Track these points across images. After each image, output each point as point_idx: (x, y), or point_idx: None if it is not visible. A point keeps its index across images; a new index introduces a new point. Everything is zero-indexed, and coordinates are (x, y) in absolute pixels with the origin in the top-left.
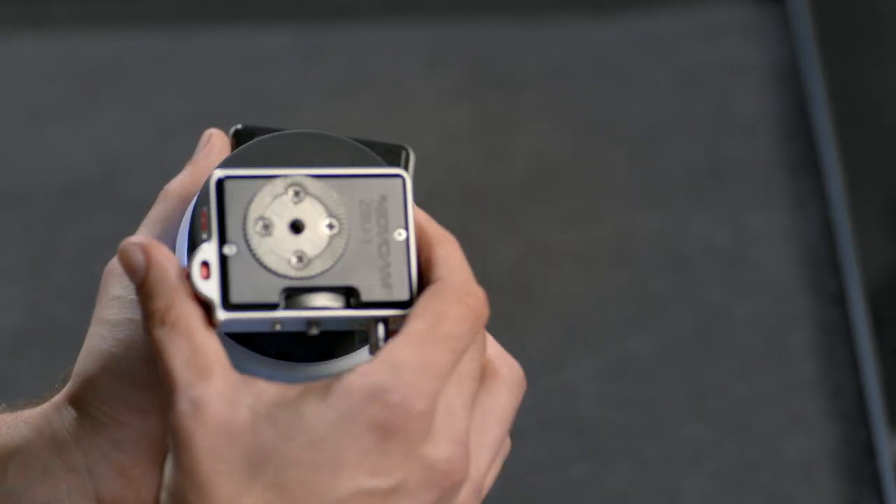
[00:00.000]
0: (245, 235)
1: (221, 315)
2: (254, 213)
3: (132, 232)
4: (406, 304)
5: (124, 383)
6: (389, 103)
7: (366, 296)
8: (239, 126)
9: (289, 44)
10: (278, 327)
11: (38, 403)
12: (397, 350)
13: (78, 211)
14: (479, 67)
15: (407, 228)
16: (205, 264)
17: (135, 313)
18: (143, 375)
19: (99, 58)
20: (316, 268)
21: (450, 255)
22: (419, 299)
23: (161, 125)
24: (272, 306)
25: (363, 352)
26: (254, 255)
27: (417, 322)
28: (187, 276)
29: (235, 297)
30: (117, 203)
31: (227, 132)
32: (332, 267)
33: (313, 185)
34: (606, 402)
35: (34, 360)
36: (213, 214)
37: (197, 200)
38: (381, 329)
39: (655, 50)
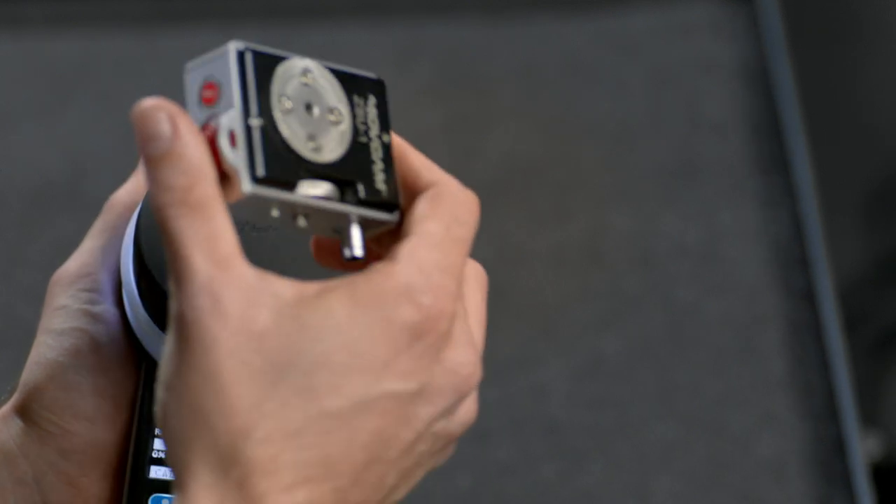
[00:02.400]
0: (270, 110)
1: (247, 186)
2: (276, 89)
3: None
4: (393, 208)
5: (71, 392)
6: None
7: (363, 193)
8: None
9: (258, 44)
10: (275, 213)
11: None
12: (420, 251)
13: (46, 212)
14: (450, 67)
15: (389, 133)
16: (230, 133)
17: (80, 322)
18: (90, 384)
19: (67, 58)
20: (326, 155)
21: (430, 162)
22: (422, 201)
23: (130, 126)
24: (291, 186)
25: None
26: (278, 132)
27: (433, 224)
28: (212, 143)
29: (260, 171)
30: (86, 204)
31: None
32: (340, 158)
33: (320, 74)
34: (577, 401)
35: (3, 362)
36: (236, 84)
37: (143, 205)
38: (356, 231)
39: (626, 49)
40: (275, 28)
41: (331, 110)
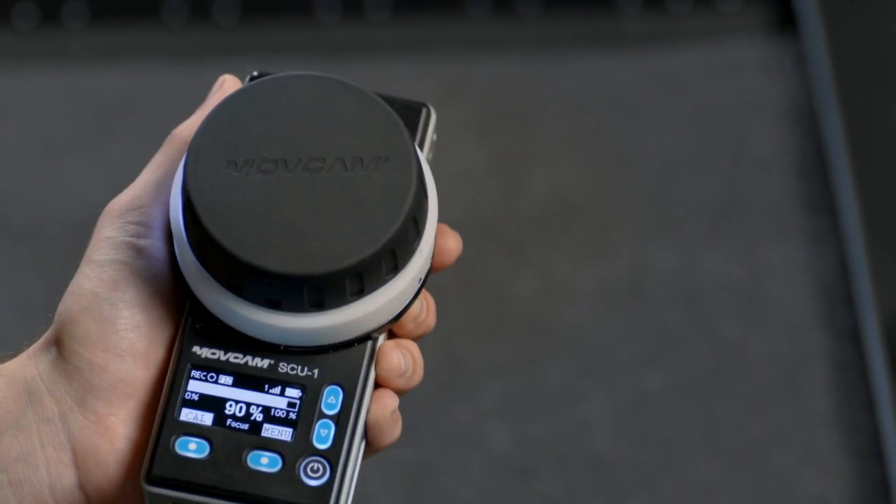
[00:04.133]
0: None
1: None
2: None
3: None
4: None
5: (104, 325)
6: None
7: None
8: (255, 73)
9: None
10: None
11: (16, 356)
12: None
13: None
14: (495, 103)
15: None
16: None
17: (123, 255)
18: (125, 318)
19: (113, 91)
20: None
21: None
22: None
23: None
24: None
25: (355, 305)
26: None
27: None
28: None
29: None
30: None
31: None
32: None
33: None
34: (621, 437)
35: None
36: None
37: (192, 143)
38: None
39: (672, 86)
40: (320, 63)
41: None
